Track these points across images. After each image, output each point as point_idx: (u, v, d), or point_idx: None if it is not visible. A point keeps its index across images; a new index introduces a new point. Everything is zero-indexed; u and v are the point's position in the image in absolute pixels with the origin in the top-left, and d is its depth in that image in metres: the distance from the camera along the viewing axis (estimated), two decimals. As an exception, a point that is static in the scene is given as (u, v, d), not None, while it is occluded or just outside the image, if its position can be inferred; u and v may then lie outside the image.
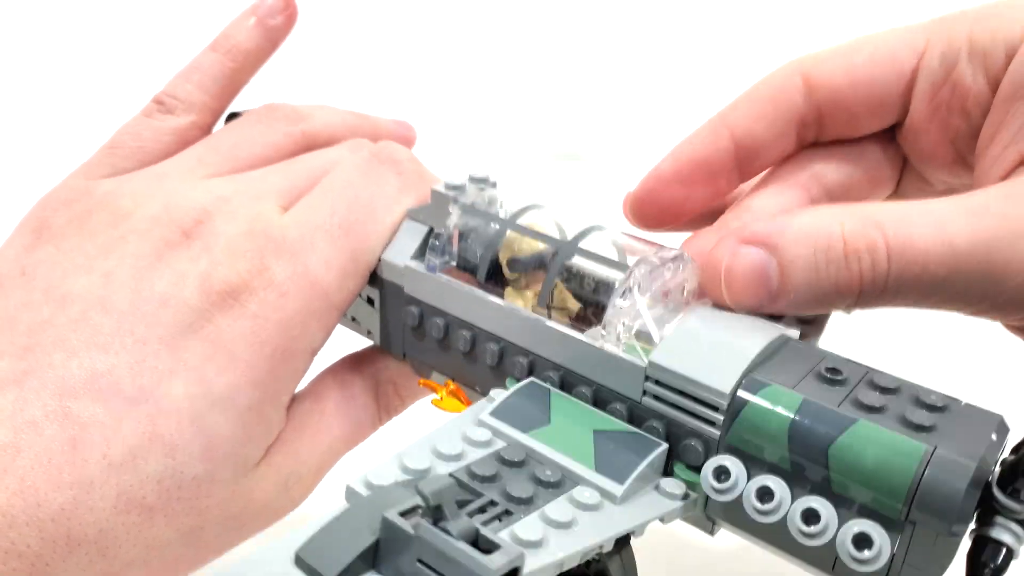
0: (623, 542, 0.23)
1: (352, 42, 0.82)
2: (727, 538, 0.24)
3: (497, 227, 0.27)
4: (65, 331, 0.26)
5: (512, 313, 0.26)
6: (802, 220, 0.23)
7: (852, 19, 0.75)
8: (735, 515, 0.22)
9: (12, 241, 0.30)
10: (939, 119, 0.27)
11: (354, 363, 0.31)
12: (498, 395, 0.25)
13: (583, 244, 0.25)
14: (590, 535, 0.20)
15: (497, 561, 0.16)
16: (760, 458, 0.21)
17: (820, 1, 0.78)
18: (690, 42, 0.78)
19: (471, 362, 0.27)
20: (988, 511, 0.20)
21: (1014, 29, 0.25)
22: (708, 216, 0.29)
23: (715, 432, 0.22)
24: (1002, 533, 0.20)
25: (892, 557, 0.19)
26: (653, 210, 0.29)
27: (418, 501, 0.18)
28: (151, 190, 0.29)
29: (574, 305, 0.26)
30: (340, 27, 0.81)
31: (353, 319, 0.32)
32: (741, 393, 0.22)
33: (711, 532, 0.24)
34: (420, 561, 0.17)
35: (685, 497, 0.22)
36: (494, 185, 0.29)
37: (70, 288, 0.27)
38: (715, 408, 0.22)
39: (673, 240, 0.26)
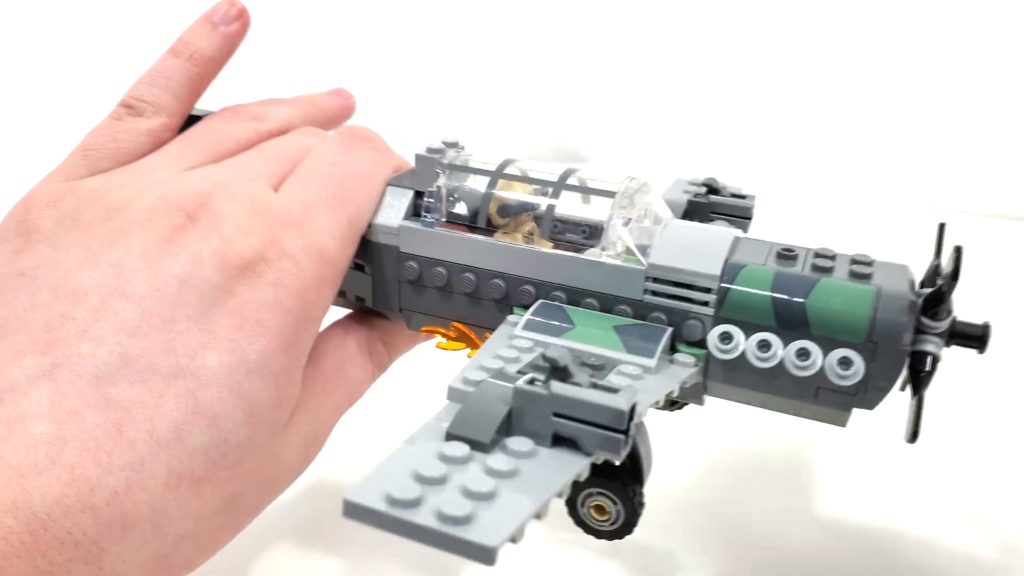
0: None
1: (357, 41, 0.80)
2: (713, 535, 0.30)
3: (487, 179, 0.31)
4: (87, 322, 0.27)
5: (514, 249, 0.30)
6: None
7: (851, 23, 0.81)
8: (736, 371, 0.27)
9: None
10: None
11: (343, 327, 0.34)
12: (516, 319, 0.29)
13: (570, 180, 0.30)
14: (652, 392, 0.25)
15: (624, 398, 0.21)
16: (751, 322, 0.27)
17: (819, 6, 0.83)
18: (693, 46, 0.82)
19: (475, 302, 0.31)
20: (916, 331, 0.27)
21: None
22: None
23: (709, 310, 0.28)
24: (927, 345, 0.27)
25: (865, 371, 0.26)
26: None
27: (532, 375, 0.22)
28: (140, 183, 0.30)
29: (547, 244, 0.31)
30: (348, 25, 0.79)
31: (339, 293, 0.34)
32: (727, 275, 0.27)
33: (701, 402, 0.30)
34: (556, 415, 0.21)
35: (695, 365, 0.28)
36: (463, 148, 0.33)
37: (79, 283, 0.28)
38: (708, 290, 0.28)
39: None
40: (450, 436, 0.21)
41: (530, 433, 0.21)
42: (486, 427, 0.21)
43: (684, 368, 0.27)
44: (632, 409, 0.21)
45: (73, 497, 0.24)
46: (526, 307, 0.30)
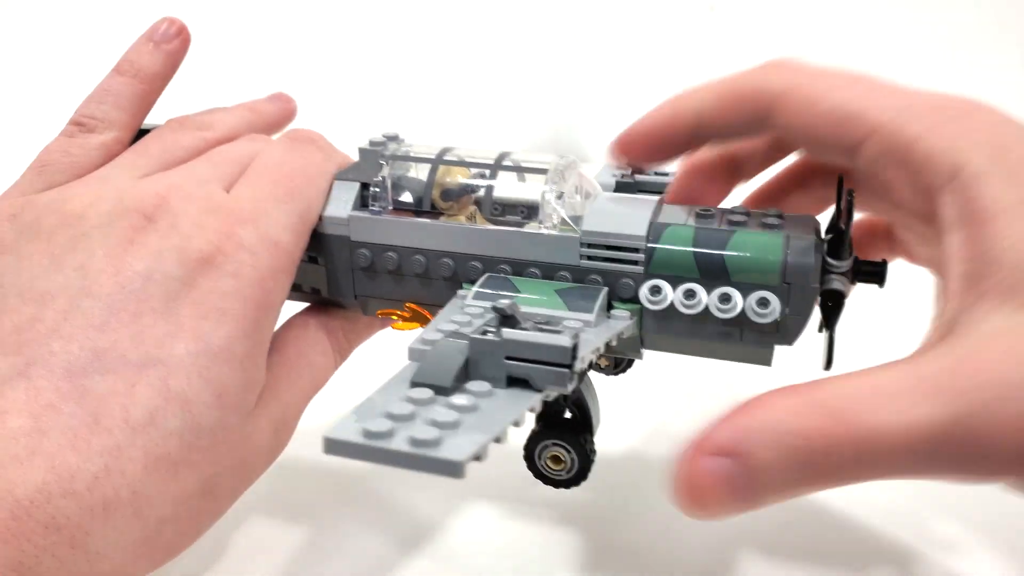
0: (583, 376, 0.31)
1: (357, 40, 0.81)
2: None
3: (429, 165, 0.33)
4: (56, 323, 0.28)
5: (460, 229, 0.32)
6: (763, 422, 0.23)
7: (850, 29, 0.83)
8: (666, 321, 0.30)
9: None
10: (874, 192, 0.29)
11: (303, 318, 0.35)
12: (465, 292, 0.32)
13: (505, 162, 0.33)
14: (593, 340, 0.27)
15: (567, 336, 0.23)
16: (677, 275, 0.30)
17: (820, 9, 0.85)
18: (694, 47, 0.83)
19: (426, 282, 0.33)
20: (824, 272, 0.30)
21: (958, 158, 0.26)
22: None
23: (639, 268, 0.30)
24: (835, 283, 0.30)
25: (781, 309, 0.29)
26: (628, 154, 0.34)
27: (484, 327, 0.25)
28: (96, 191, 0.32)
29: (489, 224, 0.33)
30: (346, 23, 0.79)
31: (294, 287, 0.36)
32: (652, 235, 0.30)
33: (640, 355, 0.33)
34: (508, 358, 0.24)
35: (630, 318, 0.30)
36: (403, 140, 0.35)
37: (45, 287, 0.29)
38: (636, 251, 0.30)
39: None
40: (414, 384, 0.23)
41: (487, 378, 0.24)
42: (446, 374, 0.23)
43: (620, 321, 0.30)
44: (575, 346, 0.24)
45: (54, 484, 0.25)
46: (474, 282, 0.32)
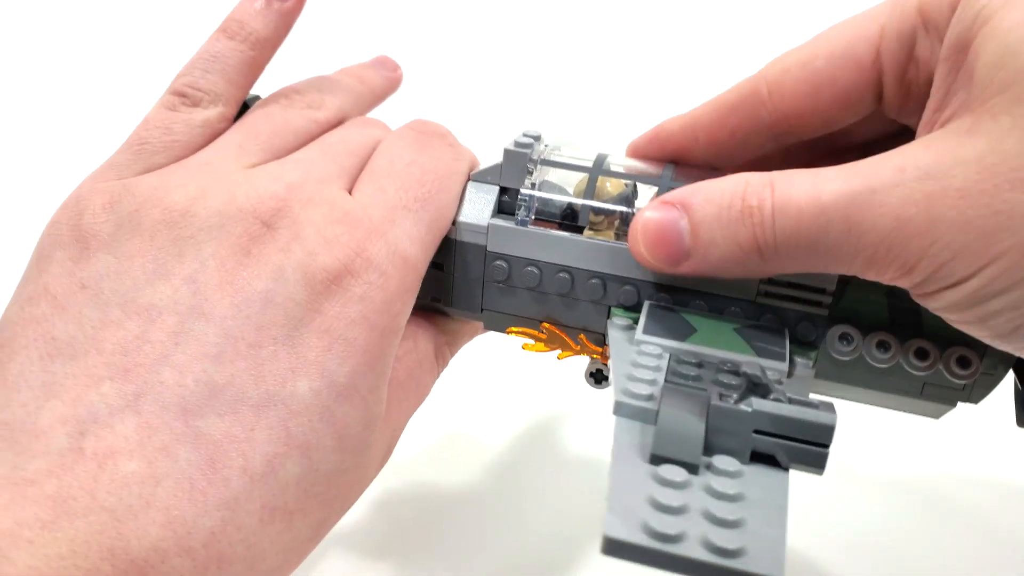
0: None
1: (352, 37, 0.76)
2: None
3: (582, 175, 0.30)
4: (166, 346, 0.24)
5: (619, 250, 0.29)
6: (713, 183, 0.25)
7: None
8: (850, 371, 0.28)
9: (50, 256, 0.26)
10: (914, 97, 0.27)
11: (412, 330, 0.31)
12: (623, 321, 0.29)
13: (676, 175, 0.29)
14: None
15: (828, 412, 0.21)
16: (866, 322, 0.28)
17: (819, 7, 0.82)
18: (694, 45, 0.79)
19: (570, 303, 0.30)
20: None
21: None
22: None
23: (823, 311, 0.28)
24: None
25: (980, 368, 0.27)
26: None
27: (719, 391, 0.22)
28: (201, 181, 0.27)
29: None
30: (336, 21, 0.74)
31: None
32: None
33: None
34: (755, 431, 0.21)
35: (812, 367, 0.28)
36: (546, 143, 0.32)
37: (151, 299, 0.25)
38: (823, 291, 0.28)
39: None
40: (657, 458, 0.21)
41: (729, 450, 0.21)
42: (692, 448, 0.20)
43: (806, 371, 0.28)
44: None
45: (170, 541, 0.22)
46: (626, 308, 0.29)
